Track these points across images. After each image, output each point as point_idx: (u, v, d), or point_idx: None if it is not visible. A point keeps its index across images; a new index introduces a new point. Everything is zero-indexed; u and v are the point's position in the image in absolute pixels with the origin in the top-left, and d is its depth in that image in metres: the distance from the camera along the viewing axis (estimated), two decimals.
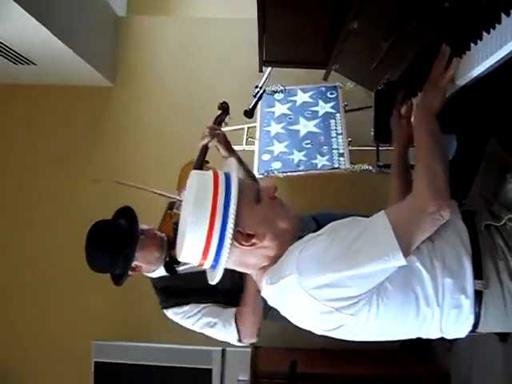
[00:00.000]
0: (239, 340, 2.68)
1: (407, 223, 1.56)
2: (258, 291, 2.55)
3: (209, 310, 2.71)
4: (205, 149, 3.10)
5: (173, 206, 3.17)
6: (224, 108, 3.28)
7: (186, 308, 2.73)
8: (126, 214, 2.79)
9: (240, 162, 3.01)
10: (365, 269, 1.50)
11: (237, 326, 2.65)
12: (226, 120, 3.27)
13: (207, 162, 3.16)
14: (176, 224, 2.96)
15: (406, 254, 1.51)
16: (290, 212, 1.78)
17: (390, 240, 1.51)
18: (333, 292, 1.53)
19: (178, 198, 3.15)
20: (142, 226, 2.77)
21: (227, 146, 2.99)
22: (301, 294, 1.54)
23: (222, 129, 3.17)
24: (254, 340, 2.72)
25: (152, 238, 2.77)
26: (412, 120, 1.98)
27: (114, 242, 2.65)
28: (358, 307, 1.56)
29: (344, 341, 1.77)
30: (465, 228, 1.68)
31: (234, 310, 2.68)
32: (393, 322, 1.63)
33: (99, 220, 2.76)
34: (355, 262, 1.50)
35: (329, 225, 1.68)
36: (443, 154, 1.71)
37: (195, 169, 3.06)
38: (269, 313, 2.72)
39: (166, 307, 2.80)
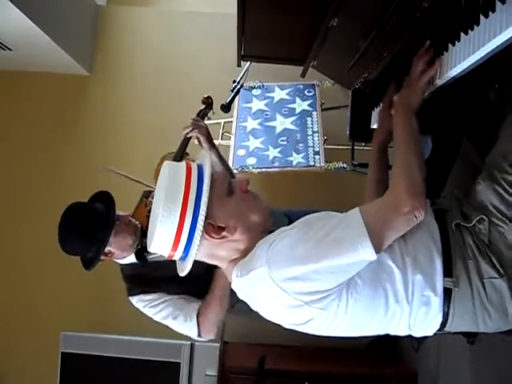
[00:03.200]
0: (199, 335, 2.68)
1: (381, 221, 1.56)
2: (225, 291, 2.57)
3: (173, 301, 2.70)
4: (186, 140, 3.12)
5: (148, 195, 3.17)
6: (209, 103, 3.28)
7: (151, 296, 2.72)
8: (103, 199, 2.77)
9: (220, 157, 3.02)
10: (335, 263, 1.50)
11: (198, 321, 2.64)
12: (210, 115, 3.27)
13: (187, 154, 3.17)
14: (150, 212, 2.96)
15: (377, 252, 1.51)
16: (263, 205, 1.77)
17: (362, 236, 1.51)
18: (302, 285, 1.53)
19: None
20: (118, 212, 2.75)
21: (209, 139, 2.99)
22: (271, 286, 1.54)
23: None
24: (213, 337, 2.72)
25: (127, 225, 2.76)
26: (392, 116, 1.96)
27: (88, 224, 2.62)
28: (328, 301, 1.56)
29: (313, 337, 1.77)
30: (436, 226, 1.69)
31: (197, 305, 2.68)
32: (362, 317, 1.63)
33: (74, 202, 2.72)
34: (326, 256, 1.50)
35: (302, 218, 1.68)
36: (420, 151, 1.72)
37: (175, 159, 3.10)
38: (232, 309, 2.73)
39: (131, 295, 2.78)
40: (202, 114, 3.22)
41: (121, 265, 2.87)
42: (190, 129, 2.98)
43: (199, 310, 2.66)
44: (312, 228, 1.58)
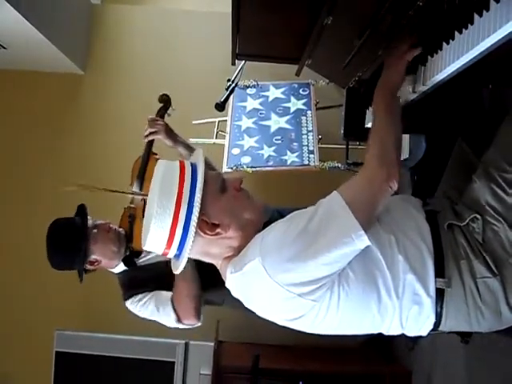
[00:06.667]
0: (178, 320, 2.66)
1: (360, 197, 1.58)
2: (192, 270, 2.57)
3: (154, 296, 2.73)
4: (150, 142, 3.16)
5: (131, 200, 3.20)
6: (165, 100, 3.27)
7: (139, 296, 2.75)
8: (80, 211, 2.85)
9: (188, 148, 2.98)
10: (329, 255, 1.51)
11: (173, 306, 2.64)
12: (169, 111, 3.25)
13: (155, 154, 3.21)
14: (130, 216, 3.01)
15: (365, 230, 1.53)
16: (257, 204, 1.79)
17: (350, 220, 1.52)
18: (295, 277, 1.53)
19: (131, 192, 3.19)
20: (97, 221, 2.83)
21: (170, 135, 2.96)
22: (264, 279, 1.54)
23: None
24: (194, 322, 2.69)
25: (107, 232, 2.82)
26: None
27: (65, 239, 2.72)
28: (320, 294, 1.56)
29: (307, 336, 1.77)
30: (427, 227, 1.70)
31: (170, 293, 2.69)
32: (354, 312, 1.63)
33: (55, 219, 2.81)
34: (317, 245, 1.51)
35: (291, 213, 1.69)
36: (397, 129, 1.74)
37: (143, 162, 3.21)
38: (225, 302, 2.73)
39: (125, 299, 2.81)
40: (161, 114, 3.21)
41: (116, 274, 2.92)
42: (148, 131, 2.97)
43: (171, 297, 2.67)
44: (297, 218, 1.61)
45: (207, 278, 2.58)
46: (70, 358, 4.54)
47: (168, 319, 2.68)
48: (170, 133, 2.97)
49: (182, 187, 1.62)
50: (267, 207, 1.84)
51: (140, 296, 2.73)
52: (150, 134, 2.97)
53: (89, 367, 4.55)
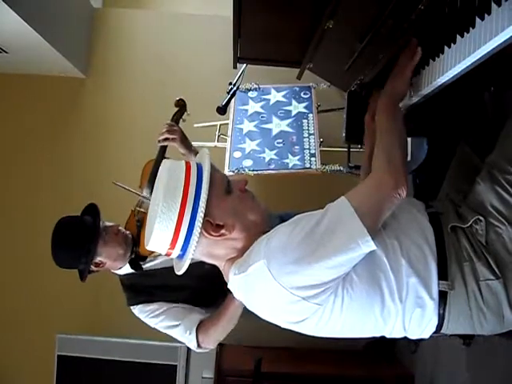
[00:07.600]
0: (198, 347, 2.70)
1: (368, 204, 1.58)
2: (234, 313, 2.59)
3: (174, 311, 2.72)
4: (164, 147, 3.14)
5: (141, 205, 3.20)
6: (181, 105, 3.28)
7: (152, 306, 2.74)
8: (91, 211, 2.83)
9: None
10: (335, 259, 1.51)
11: (197, 334, 2.66)
12: (184, 117, 3.26)
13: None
14: (138, 221, 3.01)
15: (372, 236, 1.52)
16: (261, 206, 1.79)
17: (357, 226, 1.52)
18: (300, 279, 1.53)
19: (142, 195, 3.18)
20: (106, 223, 2.82)
21: (184, 143, 2.98)
22: (268, 281, 1.54)
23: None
24: (212, 348, 2.76)
25: (115, 235, 2.81)
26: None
27: (75, 237, 2.70)
28: (324, 297, 1.56)
29: (310, 339, 1.77)
30: (431, 229, 1.70)
31: (198, 316, 2.69)
32: (358, 315, 1.63)
33: (64, 216, 2.79)
34: (323, 249, 1.51)
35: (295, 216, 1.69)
36: (402, 138, 1.75)
37: (155, 167, 3.17)
38: None
39: (132, 304, 2.80)
40: (176, 118, 3.21)
41: (119, 276, 2.90)
42: (164, 136, 2.98)
43: (202, 323, 2.68)
44: (302, 221, 1.60)
45: (217, 289, 2.60)
46: (72, 362, 4.53)
47: (186, 341, 2.71)
48: (184, 140, 2.99)
49: (187, 187, 1.62)
50: (270, 213, 1.83)
51: (151, 307, 2.73)
52: (166, 139, 2.98)
53: (91, 371, 4.54)
